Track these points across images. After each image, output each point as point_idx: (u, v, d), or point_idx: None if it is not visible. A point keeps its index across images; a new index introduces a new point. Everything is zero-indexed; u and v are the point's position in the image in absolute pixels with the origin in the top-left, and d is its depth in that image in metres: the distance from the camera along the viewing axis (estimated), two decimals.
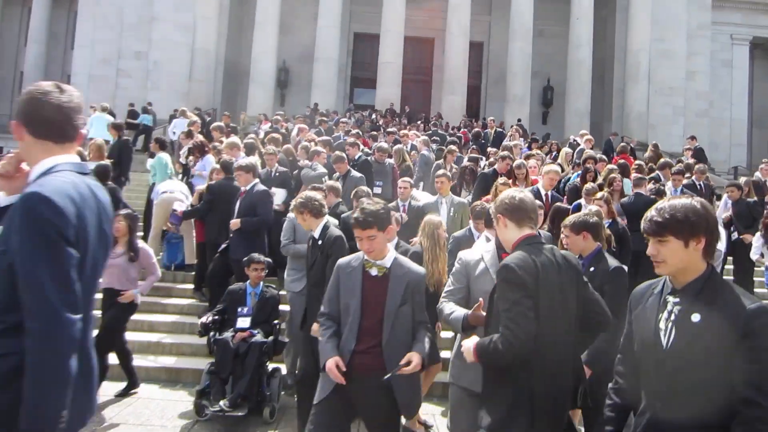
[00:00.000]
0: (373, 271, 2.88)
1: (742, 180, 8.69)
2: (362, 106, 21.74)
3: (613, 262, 3.47)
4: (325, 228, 4.16)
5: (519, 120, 18.67)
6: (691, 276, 1.87)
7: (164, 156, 8.11)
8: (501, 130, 13.79)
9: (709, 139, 22.39)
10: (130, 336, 5.33)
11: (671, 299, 1.90)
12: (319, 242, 4.11)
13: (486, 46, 23.71)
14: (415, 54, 23.76)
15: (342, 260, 3.03)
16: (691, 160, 10.44)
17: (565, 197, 7.08)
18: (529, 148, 10.87)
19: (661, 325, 1.88)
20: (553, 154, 12.01)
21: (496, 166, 7.22)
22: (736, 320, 1.75)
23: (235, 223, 5.81)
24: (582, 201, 6.27)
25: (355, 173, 7.16)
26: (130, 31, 21.90)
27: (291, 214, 5.03)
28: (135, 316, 5.17)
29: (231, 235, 5.89)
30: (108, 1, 22.71)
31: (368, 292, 2.85)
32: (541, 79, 23.30)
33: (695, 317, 1.81)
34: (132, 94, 21.52)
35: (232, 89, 22.48)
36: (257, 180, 6.18)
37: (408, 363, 2.70)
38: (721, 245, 6.96)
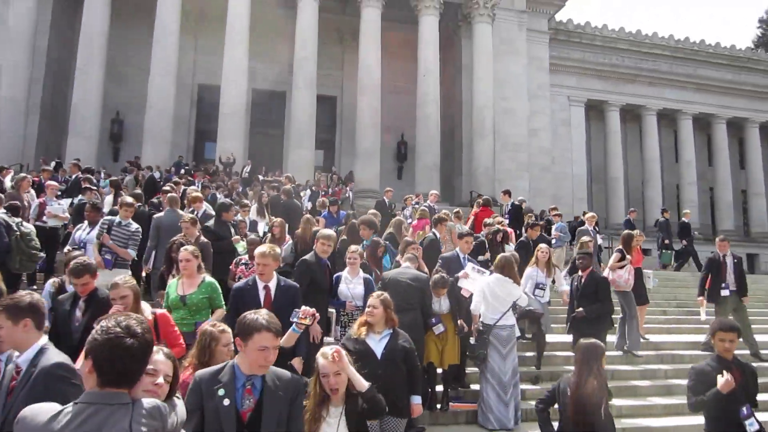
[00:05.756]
0: None
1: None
2: (210, 160, 20.21)
3: None
4: None
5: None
6: None
7: None
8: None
9: (553, 193, 23.47)
10: None
11: None
12: None
13: (339, 101, 23.33)
14: (265, 107, 22.77)
15: None
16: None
17: None
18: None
19: None
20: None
21: None
22: None
23: None
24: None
25: None
26: None
27: None
28: None
29: None
30: None
31: None
32: (396, 134, 23.25)
33: None
34: None
35: (54, 142, 19.78)
36: None
37: None
38: None
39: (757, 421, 3.72)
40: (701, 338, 8.87)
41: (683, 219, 15.94)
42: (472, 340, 5.88)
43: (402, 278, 5.41)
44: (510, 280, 5.78)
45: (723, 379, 3.66)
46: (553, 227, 11.73)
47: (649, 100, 26.92)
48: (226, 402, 2.47)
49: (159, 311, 3.94)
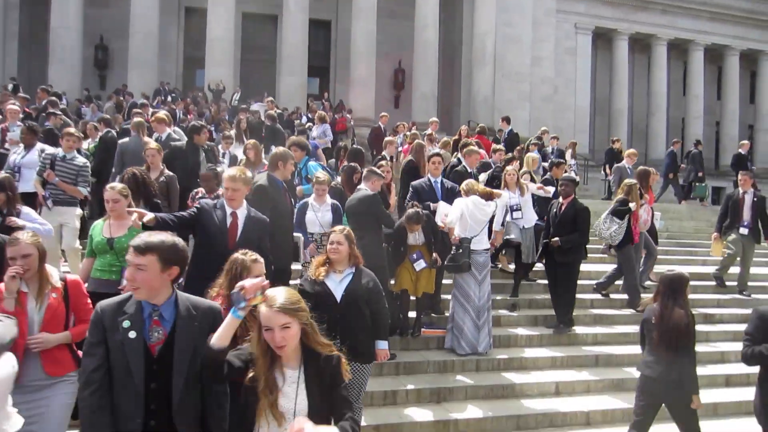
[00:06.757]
0: None
1: None
2: (200, 88, 19.56)
3: None
4: None
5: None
6: None
7: None
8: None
9: (554, 124, 22.75)
10: None
11: None
12: None
13: (334, 26, 22.26)
14: (257, 32, 21.78)
15: None
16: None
17: None
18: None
19: None
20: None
21: None
22: None
23: None
24: None
25: None
26: None
27: None
28: None
29: None
30: None
31: None
32: (393, 61, 22.34)
33: None
34: None
35: (36, 70, 19.08)
36: None
37: None
38: None
39: None
40: (689, 269, 8.81)
41: (740, 151, 15.01)
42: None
43: (353, 203, 5.22)
44: (484, 201, 5.58)
45: None
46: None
47: (660, 29, 25.63)
48: (132, 334, 2.23)
49: (70, 277, 3.15)
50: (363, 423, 3.98)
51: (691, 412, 3.79)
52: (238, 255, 2.99)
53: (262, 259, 3.04)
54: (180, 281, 2.53)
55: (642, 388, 3.90)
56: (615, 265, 7.35)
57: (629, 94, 25.84)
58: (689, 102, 26.42)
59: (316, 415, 2.08)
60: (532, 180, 7.87)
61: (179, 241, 2.37)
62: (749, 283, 8.22)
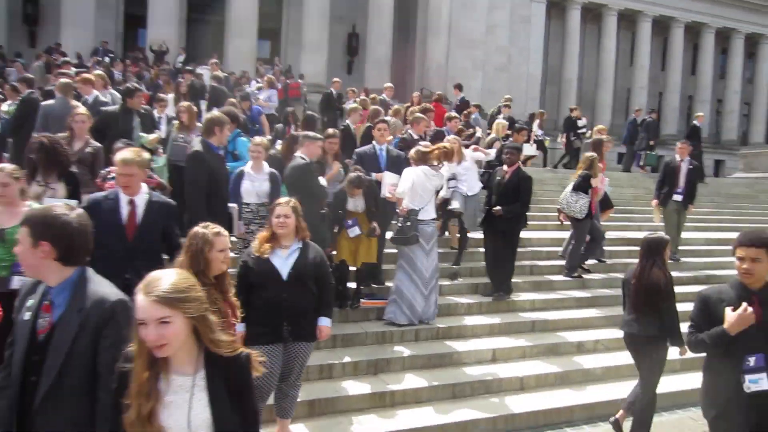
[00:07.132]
0: None
1: None
2: (142, 49, 18.57)
3: None
4: None
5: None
6: None
7: None
8: None
9: (507, 93, 22.95)
10: None
11: None
12: None
13: None
14: None
15: None
16: None
17: None
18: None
19: None
20: None
21: None
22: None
23: None
24: None
25: None
26: None
27: None
28: None
29: None
30: None
31: None
32: (347, 25, 21.85)
33: None
34: None
35: None
36: None
37: None
38: None
39: None
40: (626, 235, 9.18)
41: (695, 122, 14.96)
42: (394, 224, 5.55)
43: (288, 171, 5.10)
44: (434, 171, 5.54)
45: (733, 315, 2.66)
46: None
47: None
48: (27, 316, 2.06)
49: None
50: (298, 399, 3.94)
51: (656, 368, 4.05)
52: (198, 229, 2.80)
53: (225, 232, 2.87)
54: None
55: (628, 346, 4.19)
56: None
57: (580, 64, 26.29)
58: (635, 73, 27.13)
59: (224, 430, 1.71)
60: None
61: (59, 213, 2.06)
62: (679, 248, 8.59)
